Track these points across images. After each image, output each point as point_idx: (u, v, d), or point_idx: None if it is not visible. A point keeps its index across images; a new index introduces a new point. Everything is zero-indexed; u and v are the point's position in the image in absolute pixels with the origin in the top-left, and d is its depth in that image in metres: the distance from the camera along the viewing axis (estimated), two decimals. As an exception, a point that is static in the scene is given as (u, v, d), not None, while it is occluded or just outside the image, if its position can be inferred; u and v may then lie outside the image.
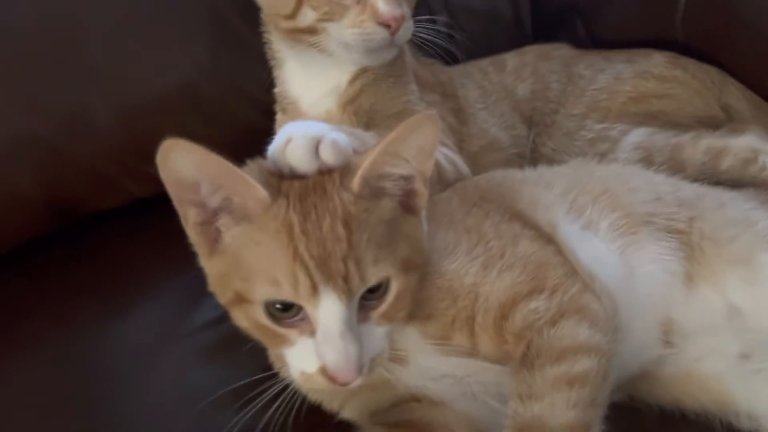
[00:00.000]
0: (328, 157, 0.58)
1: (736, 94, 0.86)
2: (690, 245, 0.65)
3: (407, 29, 0.80)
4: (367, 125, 0.82)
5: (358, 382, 0.54)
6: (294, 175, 0.58)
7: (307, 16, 0.80)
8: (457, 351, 0.60)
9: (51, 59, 0.81)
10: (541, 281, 0.59)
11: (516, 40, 1.13)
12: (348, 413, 0.64)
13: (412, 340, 0.60)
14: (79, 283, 0.86)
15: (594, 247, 0.65)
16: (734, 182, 0.75)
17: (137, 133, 0.86)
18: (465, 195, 0.69)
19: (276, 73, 0.89)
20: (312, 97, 0.86)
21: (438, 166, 0.76)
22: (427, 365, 0.61)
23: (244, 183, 0.54)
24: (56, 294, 0.84)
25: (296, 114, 0.87)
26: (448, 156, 0.80)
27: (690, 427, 0.63)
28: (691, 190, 0.70)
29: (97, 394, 0.74)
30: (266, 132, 0.90)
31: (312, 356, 0.54)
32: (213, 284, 0.59)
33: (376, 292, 0.55)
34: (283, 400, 0.58)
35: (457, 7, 1.13)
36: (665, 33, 0.95)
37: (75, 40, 0.83)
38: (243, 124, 0.93)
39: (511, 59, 1.01)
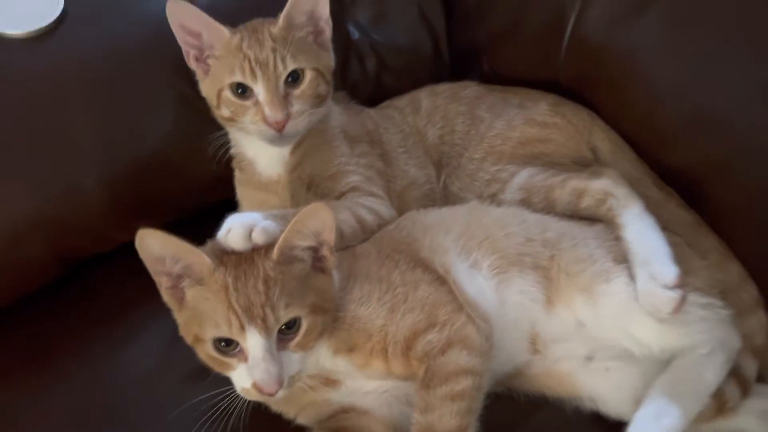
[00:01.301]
0: (258, 240, 0.79)
1: (602, 136, 1.06)
2: (549, 278, 0.88)
3: (298, 123, 0.97)
4: (310, 185, 1.02)
5: (281, 393, 0.77)
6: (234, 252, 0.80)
7: (225, 111, 0.99)
8: (376, 374, 0.83)
9: (45, 145, 0.98)
10: (434, 318, 0.81)
11: (437, 72, 1.31)
12: (301, 420, 0.87)
13: (343, 368, 0.83)
14: (85, 320, 1.04)
15: (477, 283, 0.87)
16: (592, 218, 0.96)
17: (123, 195, 1.04)
18: (381, 247, 0.90)
19: (231, 137, 1.07)
20: (264, 162, 1.04)
21: (361, 220, 0.95)
22: (355, 386, 0.85)
23: (196, 254, 0.77)
24: (68, 331, 1.03)
25: (253, 172, 1.06)
26: (372, 207, 0.98)
27: (550, 409, 0.88)
28: (554, 229, 0.92)
29: (112, 413, 0.94)
30: (227, 181, 1.10)
31: (247, 376, 0.77)
32: (182, 331, 0.82)
33: (291, 328, 0.77)
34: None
35: (383, 48, 1.29)
36: (550, 75, 1.14)
37: (63, 127, 0.99)
38: (208, 177, 1.09)
39: (425, 99, 1.15)
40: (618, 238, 0.91)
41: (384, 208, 1.01)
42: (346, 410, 0.85)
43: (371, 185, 1.03)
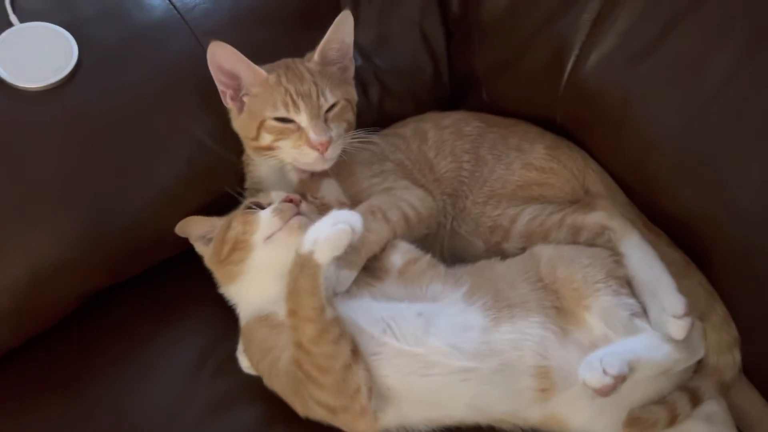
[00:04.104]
0: None
1: (594, 179, 1.11)
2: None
3: (337, 146, 1.04)
4: None
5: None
6: None
7: (265, 138, 1.05)
8: None
9: (66, 195, 1.03)
10: None
11: (438, 96, 1.36)
12: None
13: None
14: (105, 353, 1.08)
15: None
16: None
17: (140, 236, 1.09)
18: None
19: (249, 170, 1.14)
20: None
21: (406, 217, 1.03)
22: None
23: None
24: (88, 365, 1.07)
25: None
26: (409, 203, 1.04)
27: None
28: None
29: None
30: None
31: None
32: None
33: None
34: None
35: (385, 73, 1.32)
36: (547, 112, 1.18)
37: (82, 176, 1.03)
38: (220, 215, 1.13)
39: (431, 131, 1.17)
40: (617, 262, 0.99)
41: (416, 199, 1.06)
42: None
43: (396, 183, 1.09)
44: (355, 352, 0.87)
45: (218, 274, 1.04)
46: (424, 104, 1.31)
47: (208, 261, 1.05)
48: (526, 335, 0.92)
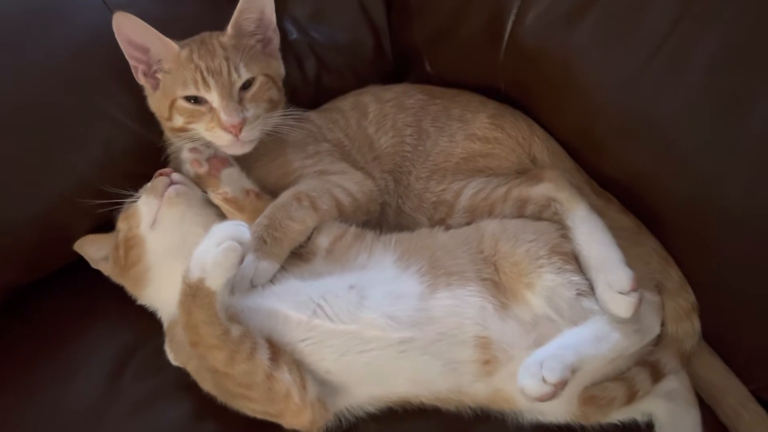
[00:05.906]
0: None
1: (540, 146, 1.05)
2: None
3: (254, 129, 0.96)
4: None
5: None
6: None
7: (178, 120, 0.98)
8: None
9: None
10: None
11: (380, 70, 1.29)
12: None
13: None
14: (28, 351, 1.02)
15: None
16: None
17: (54, 226, 1.01)
18: None
19: (171, 151, 1.06)
20: None
21: (339, 204, 0.96)
22: None
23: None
24: (11, 364, 1.00)
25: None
26: (345, 188, 0.98)
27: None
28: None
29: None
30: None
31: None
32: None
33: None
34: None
35: (322, 47, 1.25)
36: (489, 80, 1.12)
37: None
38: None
39: (372, 105, 1.11)
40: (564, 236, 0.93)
41: (352, 184, 1.00)
42: None
43: (341, 178, 1.01)
44: (274, 357, 0.81)
45: (127, 284, 0.98)
46: (366, 78, 1.25)
47: (114, 275, 0.99)
48: (464, 302, 0.87)
